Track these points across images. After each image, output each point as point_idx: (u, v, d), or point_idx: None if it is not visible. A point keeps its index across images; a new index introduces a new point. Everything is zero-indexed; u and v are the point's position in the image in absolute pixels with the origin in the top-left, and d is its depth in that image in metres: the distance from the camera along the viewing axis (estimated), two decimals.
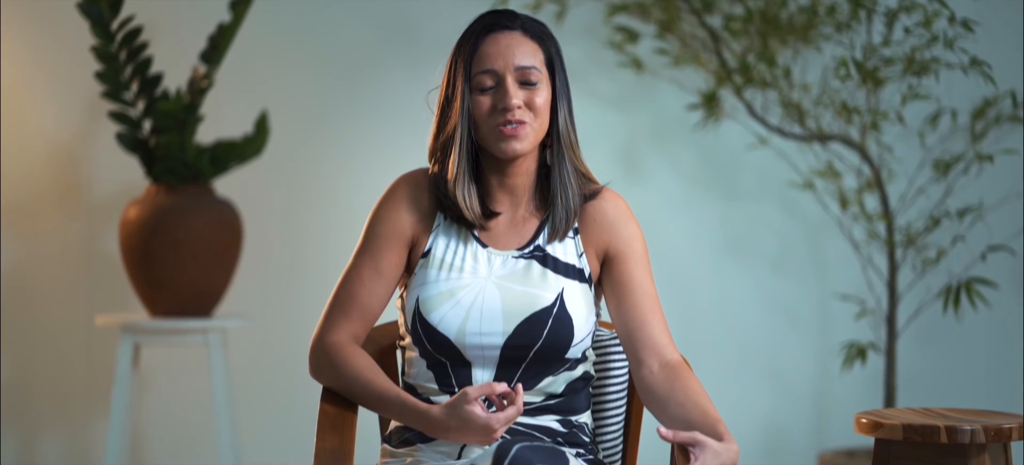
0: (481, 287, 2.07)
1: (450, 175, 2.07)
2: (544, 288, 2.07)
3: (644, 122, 3.85)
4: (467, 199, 2.07)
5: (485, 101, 2.05)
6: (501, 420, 1.93)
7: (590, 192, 2.11)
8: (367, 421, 2.15)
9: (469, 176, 2.07)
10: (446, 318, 2.05)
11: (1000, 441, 2.24)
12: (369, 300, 2.09)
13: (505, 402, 1.97)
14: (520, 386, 1.93)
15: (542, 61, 2.07)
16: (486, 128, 2.05)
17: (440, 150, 2.09)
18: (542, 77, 2.06)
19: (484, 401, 1.98)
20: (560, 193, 2.08)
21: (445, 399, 2.06)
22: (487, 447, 1.97)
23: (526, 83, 2.05)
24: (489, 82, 2.05)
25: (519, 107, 2.03)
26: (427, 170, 2.13)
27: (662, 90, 3.79)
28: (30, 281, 3.79)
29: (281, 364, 3.80)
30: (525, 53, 2.06)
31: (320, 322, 2.11)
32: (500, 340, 2.05)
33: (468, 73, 2.06)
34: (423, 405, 2.01)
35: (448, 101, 2.08)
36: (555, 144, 2.08)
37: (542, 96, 2.06)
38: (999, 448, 2.26)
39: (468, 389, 1.95)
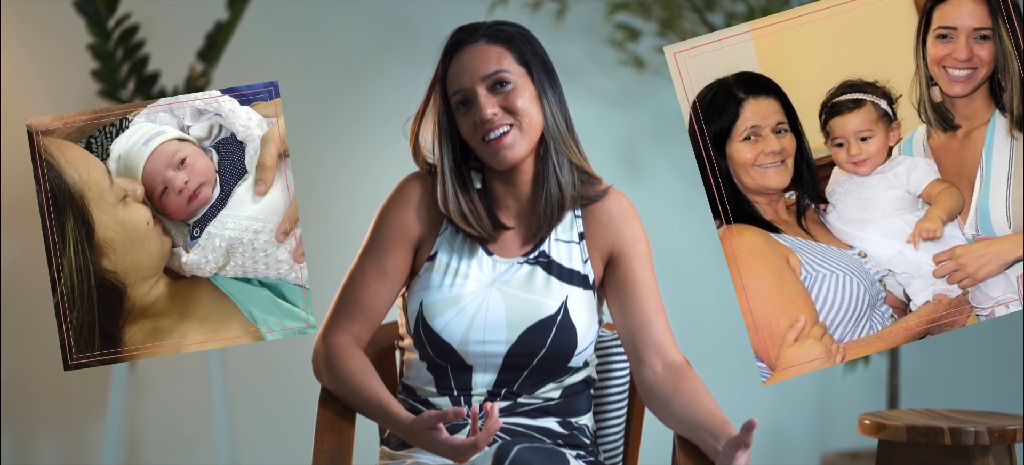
0: (485, 294, 2.04)
1: (439, 200, 2.05)
2: (548, 296, 2.05)
3: (645, 121, 3.82)
4: (469, 217, 2.04)
5: (466, 120, 2.03)
6: (466, 445, 1.90)
7: (594, 194, 2.09)
8: (365, 422, 2.13)
9: (462, 192, 2.05)
10: (450, 325, 2.03)
11: (1004, 442, 2.23)
12: (373, 301, 2.07)
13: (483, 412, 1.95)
14: (494, 406, 1.89)
15: (513, 61, 2.03)
16: (475, 146, 2.03)
17: (428, 175, 2.08)
18: (516, 77, 2.03)
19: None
20: (545, 186, 2.05)
21: (445, 401, 2.06)
22: (486, 448, 1.95)
23: (499, 87, 2.02)
24: (462, 99, 2.03)
25: (495, 114, 2.01)
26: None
27: (663, 88, 3.77)
28: (28, 280, 3.77)
29: (279, 365, 3.77)
30: (489, 60, 2.02)
31: (324, 323, 2.09)
32: (503, 348, 2.03)
33: (444, 96, 2.04)
34: (404, 415, 1.99)
35: (425, 126, 2.07)
36: (544, 138, 2.05)
37: (523, 97, 2.02)
38: (1003, 449, 2.25)
39: (426, 416, 1.93)
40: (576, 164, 2.08)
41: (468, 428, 1.99)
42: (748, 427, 1.85)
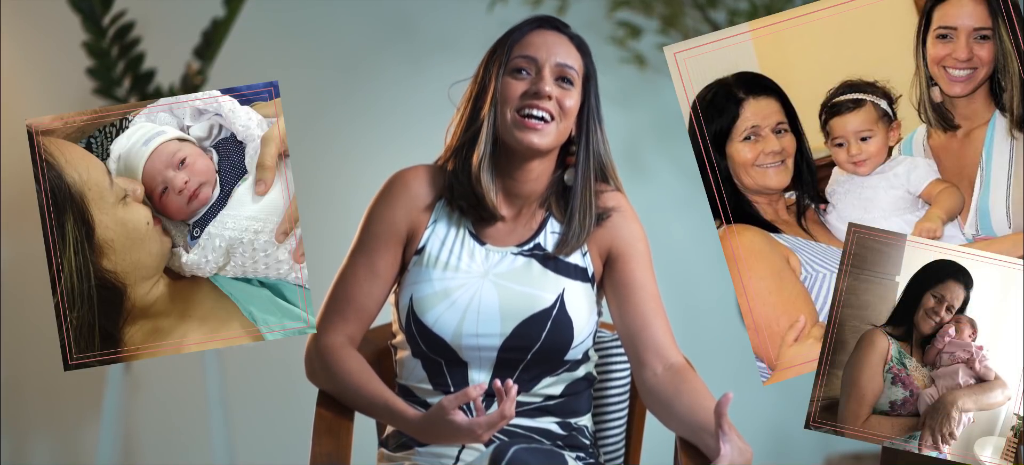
0: (478, 286, 2.04)
1: (476, 159, 2.04)
2: (544, 288, 2.04)
3: (647, 119, 3.82)
4: (489, 186, 2.04)
5: (518, 84, 2.03)
6: (483, 424, 1.89)
7: (598, 211, 2.08)
8: (364, 425, 2.13)
9: (492, 162, 2.05)
10: (442, 318, 2.02)
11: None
12: (365, 301, 2.07)
13: (495, 397, 1.94)
14: (510, 382, 1.89)
15: (581, 69, 2.06)
16: (511, 112, 2.02)
17: (468, 140, 2.06)
18: (577, 85, 2.05)
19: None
20: (578, 212, 2.06)
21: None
22: (484, 450, 1.94)
23: (562, 81, 2.04)
24: (526, 67, 2.04)
25: (550, 97, 2.01)
26: (424, 166, 2.11)
27: (665, 86, 3.77)
28: (28, 280, 3.75)
29: (277, 365, 3.76)
30: (568, 54, 2.06)
31: (316, 324, 2.08)
32: (497, 342, 2.02)
33: (506, 59, 2.04)
34: (410, 411, 1.98)
35: (481, 91, 2.06)
36: (581, 163, 2.06)
37: (573, 99, 2.04)
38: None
39: (444, 401, 1.91)
40: (612, 181, 2.09)
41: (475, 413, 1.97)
42: (718, 412, 1.86)
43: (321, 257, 3.75)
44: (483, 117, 2.04)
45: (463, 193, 2.05)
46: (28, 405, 3.78)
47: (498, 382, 1.88)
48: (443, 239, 2.07)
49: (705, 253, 3.84)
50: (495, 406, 1.95)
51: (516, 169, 2.06)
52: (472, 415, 1.96)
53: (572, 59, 2.05)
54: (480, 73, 2.07)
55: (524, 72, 2.04)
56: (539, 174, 2.07)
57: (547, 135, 2.02)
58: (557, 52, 2.04)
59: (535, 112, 2.01)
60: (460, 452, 2.02)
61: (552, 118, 2.02)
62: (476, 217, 2.06)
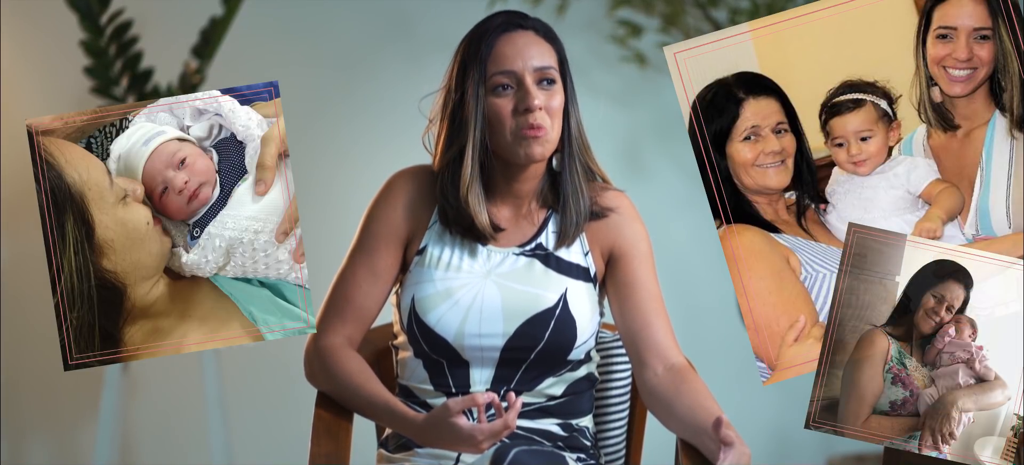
0: (480, 286, 2.03)
1: (463, 183, 2.02)
2: (546, 288, 2.04)
3: (647, 119, 3.82)
4: (478, 209, 2.03)
5: (504, 103, 2.00)
6: (485, 432, 1.88)
7: (599, 209, 2.08)
8: (363, 425, 2.13)
9: (480, 184, 2.03)
10: (444, 318, 2.02)
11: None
12: (365, 301, 2.06)
13: (493, 408, 1.94)
14: (512, 395, 1.88)
15: (556, 63, 2.03)
16: (506, 131, 2.00)
17: (452, 159, 2.04)
18: (558, 77, 2.02)
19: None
20: (571, 198, 2.05)
21: (442, 401, 2.04)
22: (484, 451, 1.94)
23: (545, 83, 2.01)
24: (507, 82, 2.00)
25: (540, 109, 1.99)
26: (424, 166, 2.10)
27: (665, 85, 3.76)
28: (28, 280, 3.75)
29: (276, 366, 3.76)
30: (542, 53, 2.02)
31: (315, 325, 2.08)
32: (500, 341, 2.02)
33: (482, 75, 2.01)
34: (411, 413, 1.98)
35: (458, 106, 2.02)
36: (566, 147, 2.04)
37: (558, 99, 2.02)
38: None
39: (450, 403, 1.90)
40: (597, 172, 2.08)
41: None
42: (716, 425, 1.87)
43: (321, 257, 3.75)
44: (467, 136, 2.01)
45: (456, 218, 2.04)
46: (26, 405, 3.78)
47: (511, 395, 1.88)
48: (445, 239, 2.07)
49: (705, 253, 3.84)
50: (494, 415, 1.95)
51: (516, 173, 2.05)
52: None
53: (547, 57, 2.02)
54: (451, 84, 2.03)
55: (507, 88, 2.00)
56: (536, 173, 2.06)
57: (548, 142, 2.00)
58: (531, 55, 2.00)
59: (536, 120, 1.99)
60: (459, 454, 2.02)
61: (545, 124, 2.00)
62: (473, 239, 2.05)
